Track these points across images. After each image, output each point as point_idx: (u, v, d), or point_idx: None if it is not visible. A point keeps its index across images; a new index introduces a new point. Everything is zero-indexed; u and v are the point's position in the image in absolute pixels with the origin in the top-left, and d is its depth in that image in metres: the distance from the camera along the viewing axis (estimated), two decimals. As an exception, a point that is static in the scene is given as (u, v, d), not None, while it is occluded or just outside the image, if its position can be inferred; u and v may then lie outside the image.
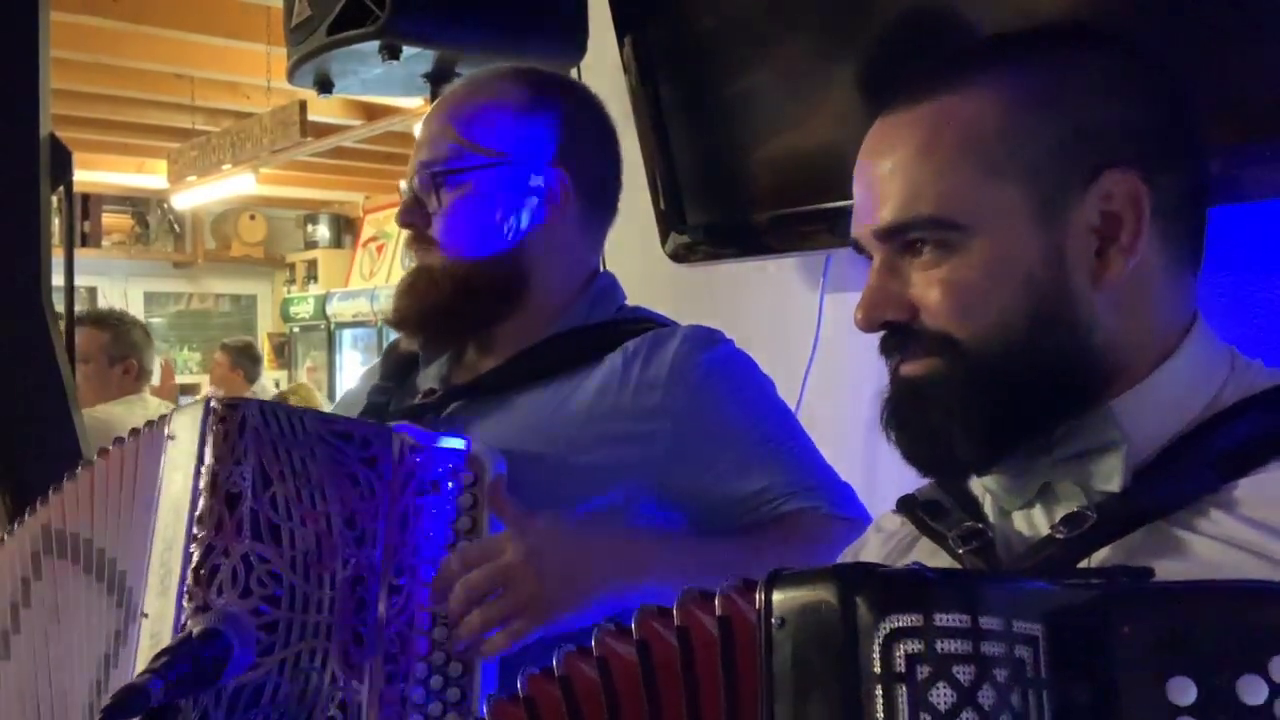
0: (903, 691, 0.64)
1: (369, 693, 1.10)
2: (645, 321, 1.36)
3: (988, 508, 0.86)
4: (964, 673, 0.63)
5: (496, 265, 1.31)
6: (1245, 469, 0.74)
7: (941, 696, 0.63)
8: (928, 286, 0.81)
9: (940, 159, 0.81)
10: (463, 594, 1.11)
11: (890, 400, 0.85)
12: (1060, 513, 0.79)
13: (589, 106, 1.40)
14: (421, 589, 1.13)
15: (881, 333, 0.85)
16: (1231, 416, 0.78)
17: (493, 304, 1.33)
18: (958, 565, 0.82)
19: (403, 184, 1.36)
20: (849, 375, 1.77)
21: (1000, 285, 0.79)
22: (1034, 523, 0.82)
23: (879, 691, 0.64)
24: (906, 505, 0.91)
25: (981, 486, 0.87)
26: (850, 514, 1.26)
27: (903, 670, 0.64)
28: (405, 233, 1.36)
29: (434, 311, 1.32)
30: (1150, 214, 0.78)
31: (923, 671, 0.64)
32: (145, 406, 3.36)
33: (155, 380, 4.21)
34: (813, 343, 1.82)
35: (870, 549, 0.96)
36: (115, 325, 3.47)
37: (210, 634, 0.99)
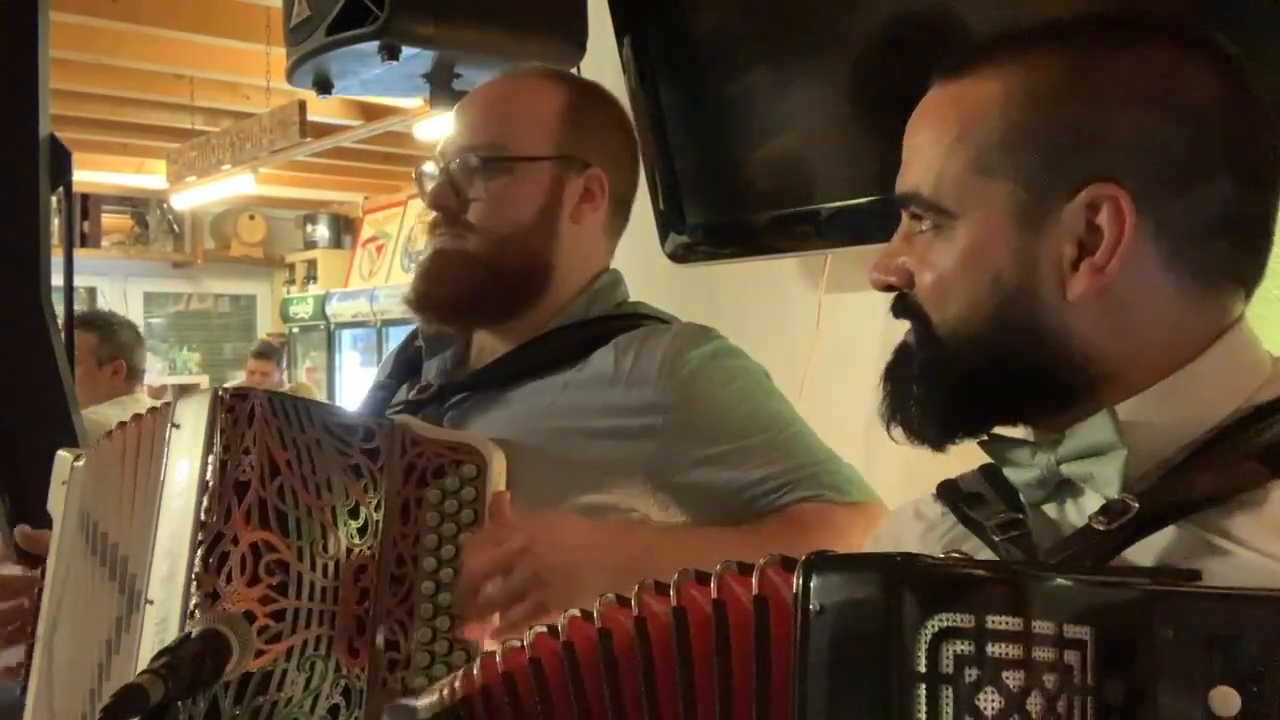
0: (948, 694, 0.61)
1: (371, 680, 1.11)
2: (641, 317, 1.37)
3: (1024, 498, 0.86)
4: (1014, 678, 0.61)
5: (529, 258, 1.33)
6: None
7: (989, 702, 0.61)
8: (923, 266, 0.83)
9: (944, 144, 0.82)
10: (467, 583, 1.13)
11: (889, 360, 0.88)
12: (1088, 507, 0.78)
13: (621, 115, 1.44)
14: (423, 579, 1.14)
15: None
16: (1271, 413, 0.76)
17: (518, 296, 1.34)
18: (995, 555, 0.81)
19: (430, 166, 1.37)
20: (848, 375, 1.77)
21: (970, 280, 0.80)
22: (1064, 513, 0.82)
23: (923, 691, 0.62)
24: (947, 495, 0.90)
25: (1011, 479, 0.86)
26: (854, 498, 1.26)
27: (950, 671, 0.61)
28: (433, 214, 1.35)
29: (464, 297, 1.32)
30: (1152, 233, 0.76)
31: (971, 675, 0.61)
32: (138, 407, 3.33)
33: (149, 380, 4.21)
34: (812, 343, 1.82)
35: (910, 539, 0.94)
36: (102, 326, 3.45)
37: (209, 635, 0.99)
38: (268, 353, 6.67)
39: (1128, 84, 0.78)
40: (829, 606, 0.65)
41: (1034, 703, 0.61)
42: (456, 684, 0.82)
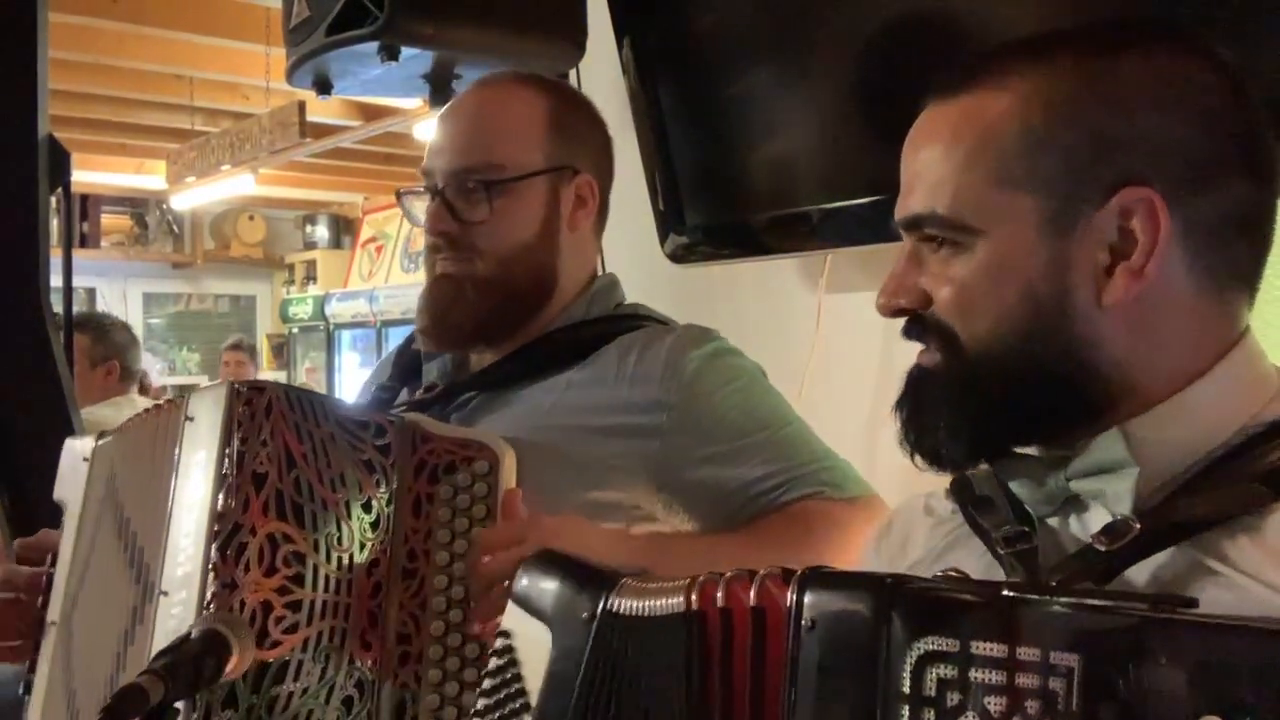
0: (930, 716, 0.63)
1: (384, 673, 1.12)
2: (640, 318, 1.38)
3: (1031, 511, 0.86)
4: (995, 704, 0.62)
5: (536, 272, 1.34)
6: None
7: None
8: (941, 282, 0.82)
9: (959, 159, 0.80)
10: (480, 578, 1.12)
11: (903, 386, 0.86)
12: (1093, 522, 0.78)
13: (596, 114, 1.43)
14: (435, 573, 1.15)
15: (902, 319, 0.86)
16: (1275, 434, 0.75)
17: (527, 311, 1.35)
18: (999, 565, 0.81)
19: (417, 188, 1.36)
20: (848, 375, 1.77)
21: (999, 291, 0.79)
22: (1070, 529, 0.82)
23: (905, 712, 0.63)
24: (959, 493, 0.90)
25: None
26: (852, 493, 1.27)
27: (932, 694, 0.63)
28: (434, 239, 1.34)
29: (480, 321, 1.32)
30: (1179, 234, 0.76)
31: (953, 699, 0.63)
32: (134, 407, 3.34)
33: (154, 380, 4.20)
34: (812, 343, 1.82)
35: (919, 533, 0.95)
36: (96, 327, 3.44)
37: (209, 635, 0.99)
38: (240, 344, 6.76)
39: (1141, 87, 0.77)
40: (820, 622, 0.68)
41: None
42: (691, 596, 0.77)
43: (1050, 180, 0.78)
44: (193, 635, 0.98)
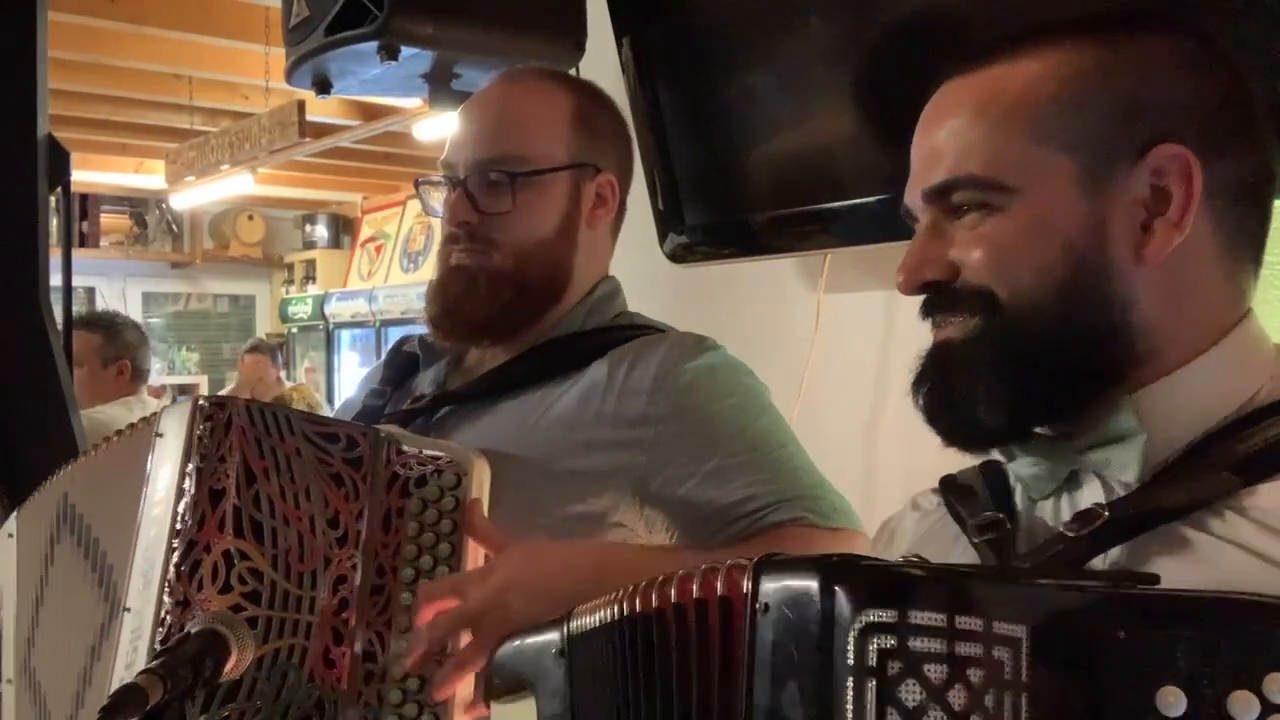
0: (872, 686, 0.64)
1: (346, 692, 1.10)
2: (638, 329, 1.35)
3: (1018, 497, 0.86)
4: (935, 671, 0.63)
5: (552, 269, 1.32)
6: (1269, 473, 0.73)
7: (910, 693, 0.64)
8: (970, 246, 0.82)
9: (991, 121, 0.81)
10: (423, 644, 1.10)
11: (923, 364, 0.85)
12: (1084, 500, 0.79)
13: (619, 114, 1.42)
14: (402, 589, 1.13)
15: (904, 322, 0.86)
16: (1261, 417, 0.76)
17: (539, 308, 1.33)
18: (974, 553, 0.82)
19: (435, 178, 1.34)
20: (847, 375, 1.77)
21: (1037, 247, 0.79)
22: (1059, 514, 0.82)
23: (850, 684, 0.65)
24: (944, 487, 0.91)
25: (1013, 474, 0.87)
26: (838, 525, 1.22)
27: (874, 665, 0.64)
28: (453, 230, 1.32)
29: (493, 315, 1.30)
30: (1206, 194, 0.78)
31: (893, 668, 0.64)
32: (144, 407, 3.34)
33: (154, 380, 4.19)
34: (811, 342, 1.82)
35: (905, 527, 0.97)
36: (107, 327, 3.44)
37: (208, 634, 0.99)
38: (258, 347, 6.61)
39: (1164, 59, 0.81)
40: (774, 605, 0.70)
41: (956, 695, 0.63)
42: (620, 607, 0.82)
43: (1085, 139, 0.79)
44: (191, 634, 0.98)
